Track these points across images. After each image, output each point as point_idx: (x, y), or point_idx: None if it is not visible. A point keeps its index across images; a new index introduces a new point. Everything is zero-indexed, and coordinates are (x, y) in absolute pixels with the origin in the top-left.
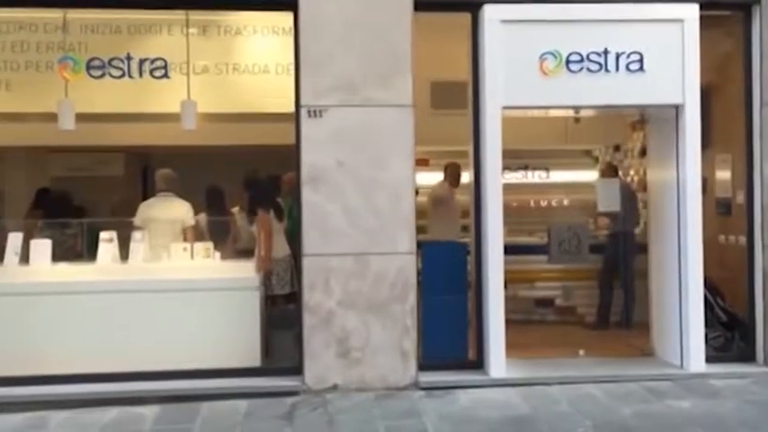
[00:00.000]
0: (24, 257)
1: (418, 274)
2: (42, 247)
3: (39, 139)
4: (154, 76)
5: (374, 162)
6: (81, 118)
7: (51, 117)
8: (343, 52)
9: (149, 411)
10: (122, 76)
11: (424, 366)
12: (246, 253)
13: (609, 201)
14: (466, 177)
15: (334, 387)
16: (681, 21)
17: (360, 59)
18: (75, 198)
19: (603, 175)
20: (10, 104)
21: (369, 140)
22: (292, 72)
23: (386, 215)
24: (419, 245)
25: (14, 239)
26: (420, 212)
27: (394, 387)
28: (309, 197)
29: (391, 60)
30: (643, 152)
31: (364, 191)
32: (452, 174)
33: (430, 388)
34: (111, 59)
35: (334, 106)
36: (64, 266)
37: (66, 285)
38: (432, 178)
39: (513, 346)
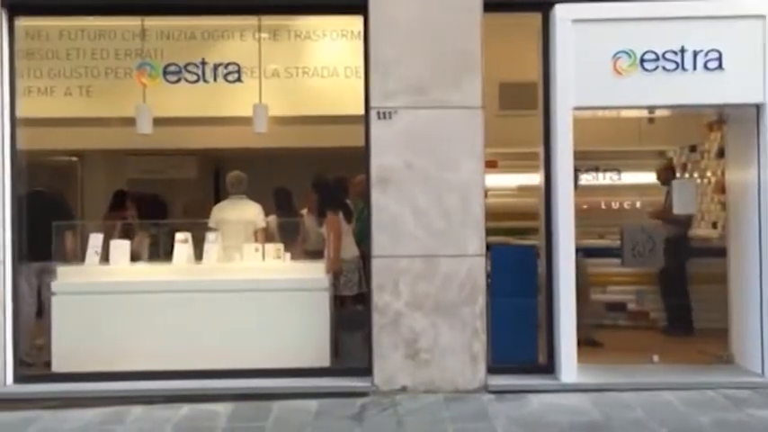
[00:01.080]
0: (104, 257)
1: (487, 276)
2: (121, 247)
3: (117, 143)
4: (227, 81)
5: (443, 164)
6: (157, 122)
7: (129, 121)
8: (413, 54)
9: (223, 408)
10: (197, 80)
11: (493, 370)
12: (315, 254)
13: (685, 203)
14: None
15: (403, 389)
16: (762, 17)
17: (429, 61)
18: (156, 198)
19: (661, 176)
20: (90, 109)
21: (438, 142)
22: (361, 75)
23: (455, 217)
24: (488, 247)
25: (95, 240)
26: (489, 215)
27: (463, 390)
28: (379, 199)
29: (460, 62)
30: (720, 153)
31: (433, 193)
32: None
33: (499, 391)
34: (187, 65)
35: (404, 108)
36: (142, 266)
37: (144, 285)
38: (500, 180)
39: (584, 351)
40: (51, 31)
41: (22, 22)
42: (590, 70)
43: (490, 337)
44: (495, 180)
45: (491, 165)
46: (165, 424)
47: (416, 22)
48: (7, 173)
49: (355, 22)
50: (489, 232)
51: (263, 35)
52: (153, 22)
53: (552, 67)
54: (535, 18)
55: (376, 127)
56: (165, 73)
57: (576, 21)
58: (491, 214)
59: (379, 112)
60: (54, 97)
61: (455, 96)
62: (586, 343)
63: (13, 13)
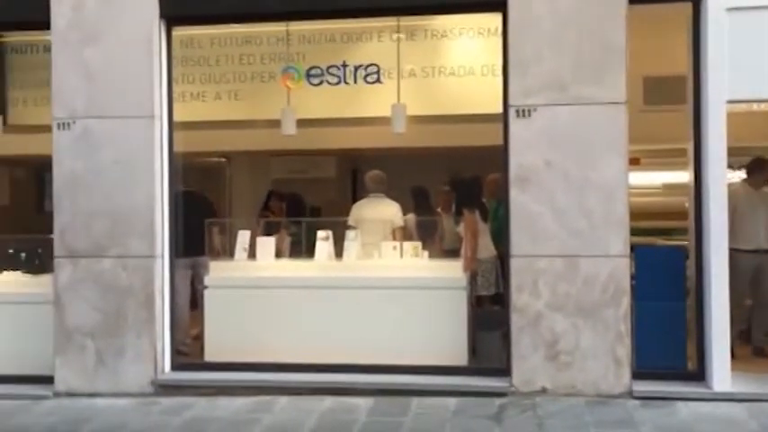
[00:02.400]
0: (252, 254)
1: (632, 278)
2: (267, 244)
3: (262, 144)
4: (367, 82)
5: (585, 162)
6: (299, 123)
7: (274, 123)
8: (553, 50)
9: (363, 402)
10: (338, 82)
11: (638, 375)
12: (452, 253)
13: None
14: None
15: (543, 390)
16: None
17: (570, 57)
18: (298, 197)
19: (751, 173)
20: (238, 112)
21: (579, 139)
22: (498, 72)
23: (597, 217)
24: (632, 248)
25: (243, 237)
26: (632, 214)
27: (606, 394)
28: (517, 198)
29: (604, 56)
30: None
31: (574, 191)
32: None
33: (645, 398)
34: (329, 67)
35: (544, 105)
36: (286, 262)
37: (287, 280)
38: (643, 178)
39: (737, 358)
40: (203, 39)
41: (178, 32)
42: (745, 61)
43: (634, 342)
44: (639, 178)
45: (634, 162)
46: (310, 414)
47: (558, 16)
48: (165, 174)
49: (493, 19)
50: (633, 232)
51: (401, 36)
52: (296, 27)
53: (703, 58)
54: (683, 8)
55: (515, 125)
56: (308, 76)
57: (730, 9)
58: (634, 214)
59: (518, 110)
60: (205, 102)
61: (598, 92)
62: (756, 353)
63: (171, 23)
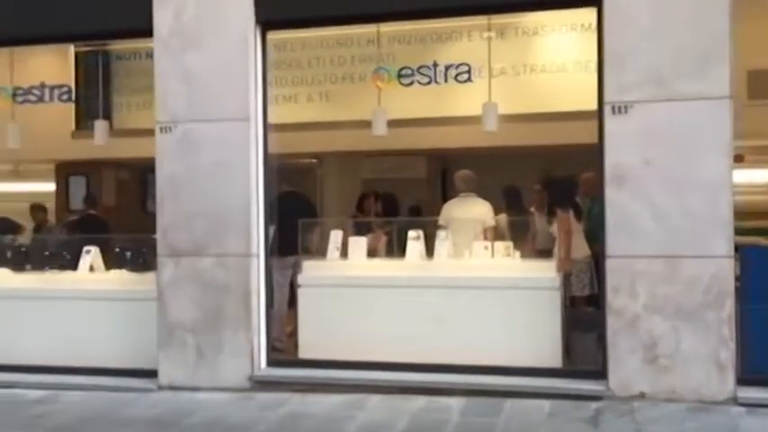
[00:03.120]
0: (344, 253)
1: (736, 279)
2: (359, 243)
3: (353, 145)
4: (458, 81)
5: (685, 159)
6: (389, 123)
7: (364, 124)
8: (651, 44)
9: (455, 403)
10: (429, 82)
11: (743, 381)
12: (545, 253)
13: None
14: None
15: (641, 395)
16: None
17: (669, 51)
18: (390, 197)
19: None
20: (329, 114)
21: (679, 136)
22: (591, 69)
23: (699, 216)
24: (736, 248)
25: (335, 236)
26: (736, 213)
27: (708, 401)
28: (614, 197)
29: (706, 49)
30: None
31: (674, 190)
32: None
33: (751, 405)
34: (420, 67)
35: (641, 102)
36: (377, 262)
37: (379, 279)
38: (748, 175)
39: None
40: (295, 43)
41: (273, 36)
42: None
43: (740, 346)
44: (743, 176)
45: (738, 159)
46: (402, 413)
47: (657, 9)
48: (260, 175)
49: (587, 14)
50: (737, 232)
51: (492, 34)
52: (387, 28)
53: None
54: None
55: (610, 122)
56: (400, 76)
57: None
58: (738, 213)
59: (614, 107)
60: (298, 104)
61: (699, 87)
62: None
63: (266, 28)
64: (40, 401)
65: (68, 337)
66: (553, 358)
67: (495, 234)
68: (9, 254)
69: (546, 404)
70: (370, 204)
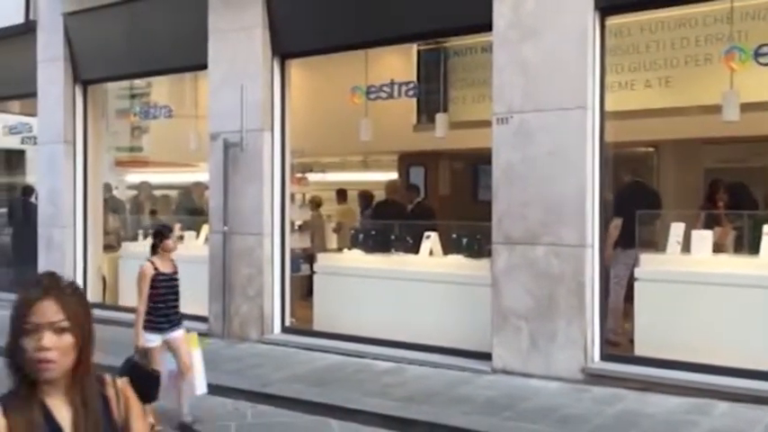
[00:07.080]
0: (686, 247)
1: None
2: (704, 238)
3: (695, 132)
4: None
5: None
6: (741, 107)
7: (708, 109)
8: None
9: None
10: None
11: None
12: None
13: None
14: None
15: None
16: None
17: None
18: (743, 187)
19: None
20: (669, 100)
21: None
22: None
23: None
24: None
25: (676, 229)
26: None
27: None
28: None
29: None
30: None
31: None
32: None
33: None
34: None
35: None
36: (723, 258)
37: (726, 277)
38: None
39: None
40: (632, 27)
41: (611, 21)
42: None
43: None
44: None
45: None
46: (755, 425)
47: None
48: (596, 164)
49: None
50: None
51: None
52: (740, 3)
53: None
54: None
55: None
56: (756, 55)
57: None
58: None
59: None
60: (634, 90)
61: None
62: None
63: (605, 13)
64: (388, 372)
65: (410, 314)
66: None
67: None
68: (361, 237)
69: None
70: (720, 195)
